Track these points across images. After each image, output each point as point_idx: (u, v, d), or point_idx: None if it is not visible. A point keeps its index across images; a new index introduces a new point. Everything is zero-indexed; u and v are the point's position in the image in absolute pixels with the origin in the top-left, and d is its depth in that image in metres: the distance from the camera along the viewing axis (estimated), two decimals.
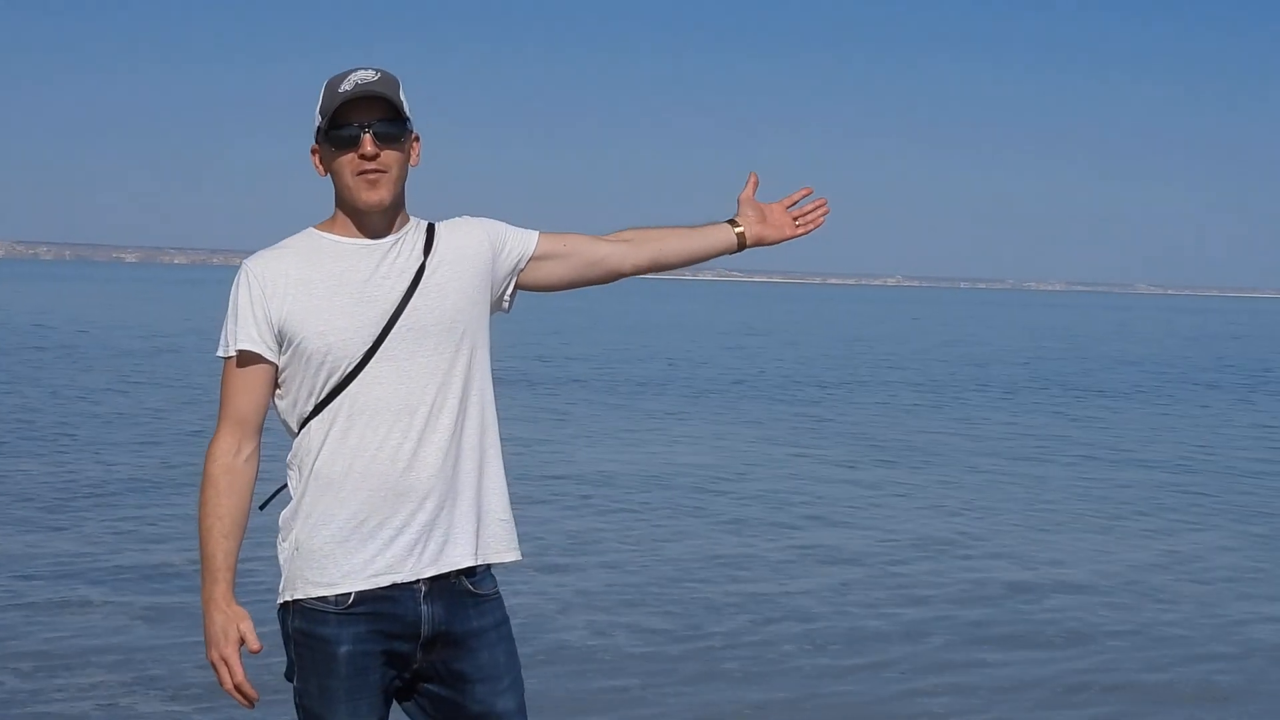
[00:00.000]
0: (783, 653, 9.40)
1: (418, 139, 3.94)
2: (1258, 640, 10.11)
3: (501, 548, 3.96)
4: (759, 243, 4.30)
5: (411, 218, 3.97)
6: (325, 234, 3.90)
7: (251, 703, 3.81)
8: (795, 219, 4.34)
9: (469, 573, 3.89)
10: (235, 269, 3.95)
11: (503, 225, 4.04)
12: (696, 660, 9.18)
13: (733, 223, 4.29)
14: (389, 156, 3.82)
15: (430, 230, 3.95)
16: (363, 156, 3.80)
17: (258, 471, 3.89)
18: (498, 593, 3.98)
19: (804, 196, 4.35)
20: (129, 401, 23.82)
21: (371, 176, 3.80)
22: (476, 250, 3.95)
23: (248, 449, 3.85)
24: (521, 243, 4.04)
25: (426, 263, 3.87)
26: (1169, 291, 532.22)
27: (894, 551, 12.80)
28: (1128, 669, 9.32)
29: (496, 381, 4.04)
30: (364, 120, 3.80)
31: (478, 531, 3.90)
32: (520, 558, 4.01)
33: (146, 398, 24.56)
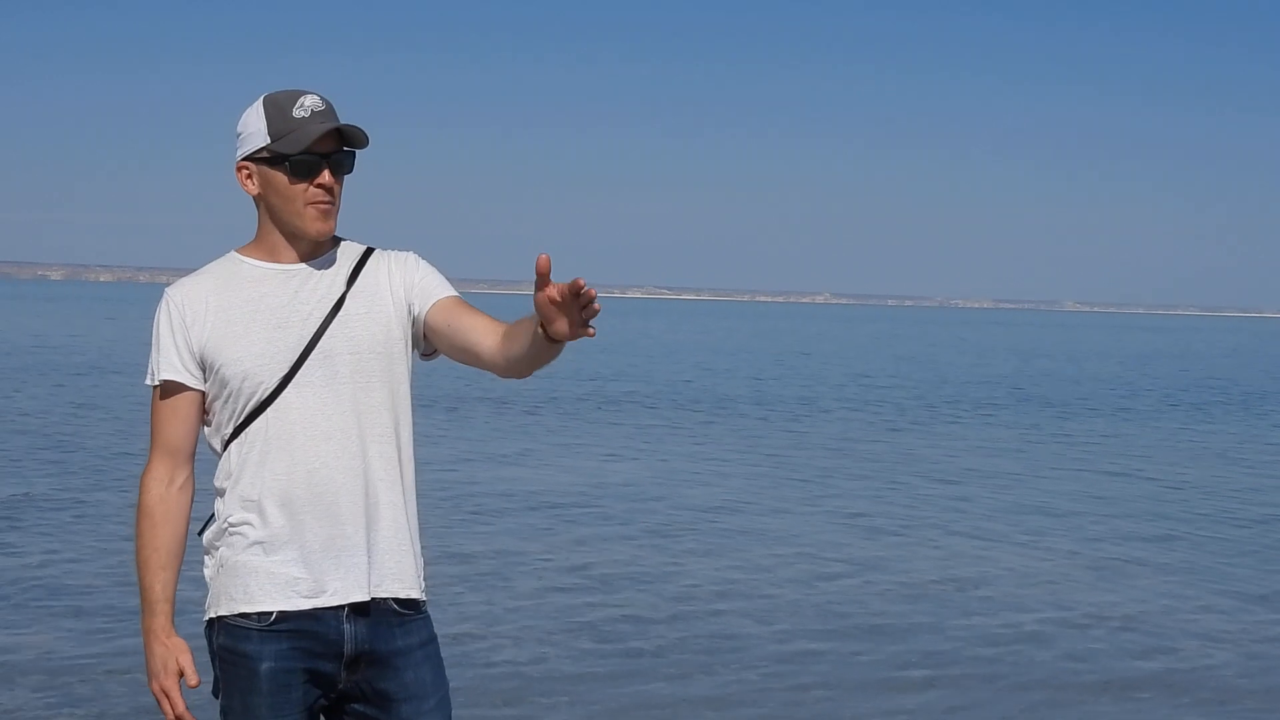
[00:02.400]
0: (711, 671, 9.42)
1: None
2: (1184, 650, 10.22)
3: (415, 585, 3.93)
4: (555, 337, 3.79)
5: (343, 240, 3.98)
6: (245, 258, 3.91)
7: None
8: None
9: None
10: (163, 286, 3.95)
11: (425, 274, 3.94)
12: (626, 679, 9.19)
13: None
14: (338, 187, 3.86)
15: (364, 257, 3.96)
16: (320, 186, 3.81)
17: (193, 497, 3.91)
18: (424, 612, 3.98)
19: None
20: (52, 421, 23.62)
21: (325, 207, 3.83)
22: (396, 288, 3.93)
23: (180, 477, 3.87)
24: (421, 297, 3.92)
25: (349, 291, 3.87)
26: (1095, 309, 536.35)
27: (821, 568, 12.85)
28: (1057, 684, 9.40)
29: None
30: (323, 149, 3.81)
31: (393, 561, 3.88)
32: (424, 598, 3.98)
33: (70, 417, 24.36)
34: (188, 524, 3.90)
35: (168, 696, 3.80)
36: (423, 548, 4.01)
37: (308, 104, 3.81)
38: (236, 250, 3.94)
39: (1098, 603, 11.79)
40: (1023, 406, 34.02)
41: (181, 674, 3.81)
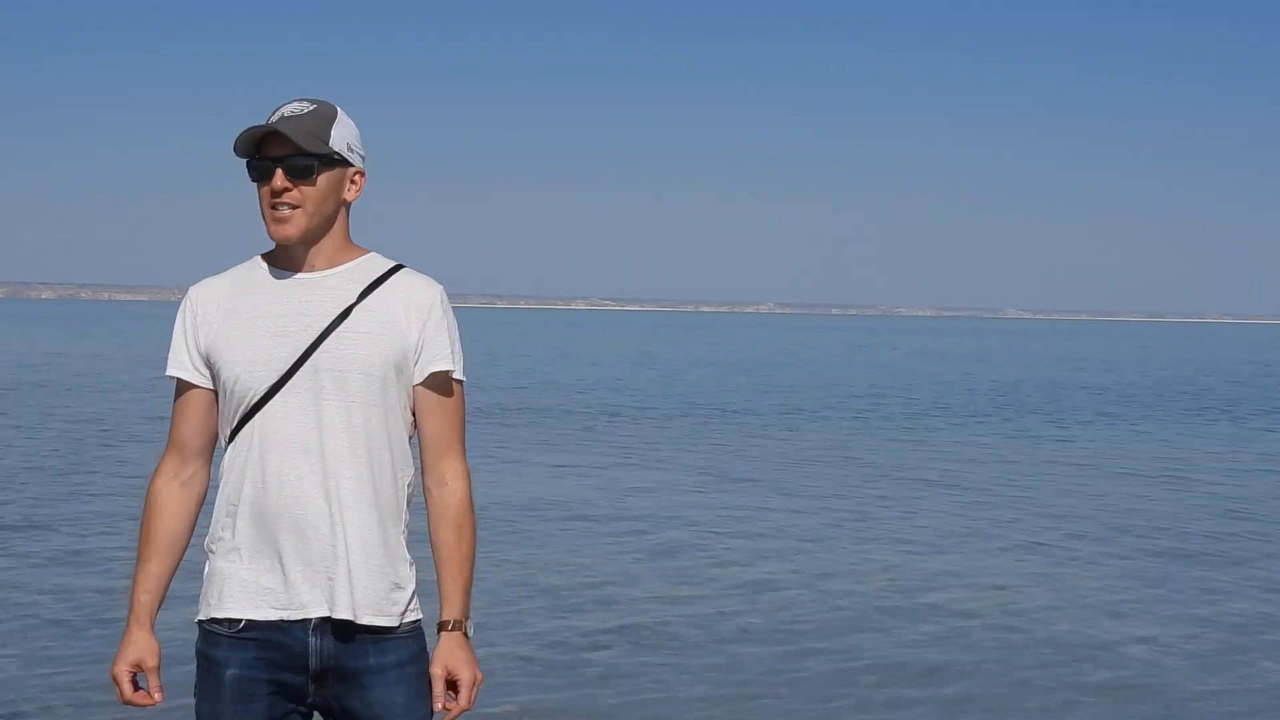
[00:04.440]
0: (659, 681, 9.44)
1: (361, 173, 3.92)
2: (1130, 659, 10.29)
3: (384, 610, 3.88)
4: (438, 651, 3.94)
5: (370, 253, 3.95)
6: (263, 263, 3.92)
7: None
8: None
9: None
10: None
11: (436, 330, 3.90)
12: (574, 690, 9.20)
13: (461, 625, 3.97)
14: (303, 192, 3.81)
15: (386, 274, 3.91)
16: (272, 191, 3.82)
17: (203, 493, 3.95)
18: (411, 631, 3.93)
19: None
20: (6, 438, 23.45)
21: (282, 212, 3.82)
22: (413, 323, 3.88)
23: (186, 472, 3.91)
24: (423, 362, 3.90)
25: (357, 306, 3.84)
26: (1038, 315, 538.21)
27: (768, 577, 12.88)
28: (1000, 692, 9.45)
29: None
30: (278, 154, 3.81)
31: (362, 587, 3.83)
32: (398, 624, 3.90)
33: (13, 436, 24.19)
34: (190, 520, 3.93)
35: (116, 683, 3.87)
36: (415, 574, 3.94)
37: (283, 110, 3.84)
38: (260, 255, 3.95)
39: (1046, 607, 11.86)
40: (994, 415, 34.19)
41: (141, 669, 3.86)
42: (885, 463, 22.87)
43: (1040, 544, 15.07)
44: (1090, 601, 12.19)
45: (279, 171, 3.81)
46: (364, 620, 3.84)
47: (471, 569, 3.99)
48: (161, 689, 3.89)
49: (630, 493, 18.44)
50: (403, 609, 3.92)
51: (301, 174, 3.82)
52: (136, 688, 3.87)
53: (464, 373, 3.98)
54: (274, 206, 3.82)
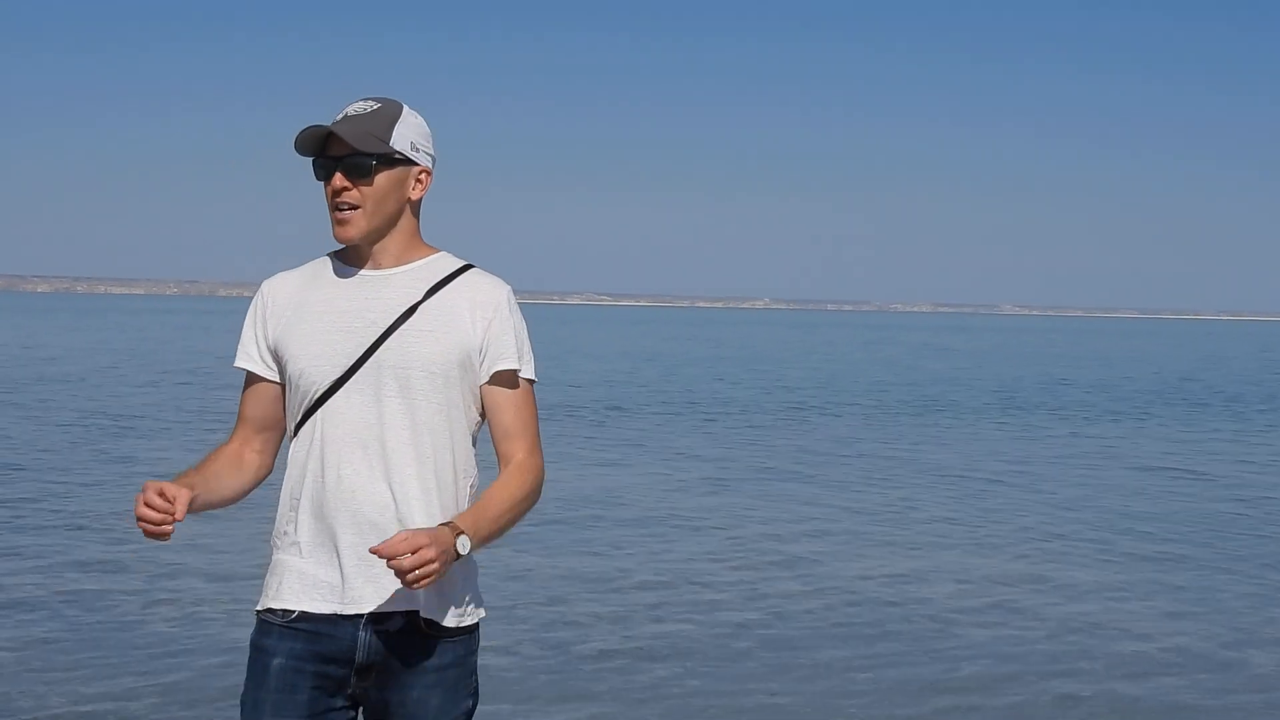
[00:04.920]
0: (653, 674, 9.45)
1: (427, 172, 3.94)
2: (1119, 655, 10.29)
3: (437, 606, 3.86)
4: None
5: (441, 252, 3.99)
6: (334, 259, 3.98)
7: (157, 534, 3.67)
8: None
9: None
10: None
11: (501, 329, 3.93)
12: (567, 683, 9.21)
13: (456, 530, 3.73)
14: (362, 192, 3.85)
15: (454, 274, 3.94)
16: (333, 190, 3.85)
17: (265, 465, 4.03)
18: (465, 634, 3.95)
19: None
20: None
21: (343, 213, 3.86)
22: (477, 323, 3.90)
23: (257, 442, 4.01)
24: (489, 361, 3.92)
25: (422, 304, 3.87)
26: (1034, 312, 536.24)
27: (763, 571, 12.89)
28: (994, 689, 9.45)
29: None
30: (338, 154, 3.84)
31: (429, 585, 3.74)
32: (456, 626, 3.91)
33: (15, 431, 24.16)
34: (246, 478, 3.99)
35: (141, 493, 3.65)
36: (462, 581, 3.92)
37: (348, 110, 3.89)
38: (332, 252, 4.00)
39: (1038, 606, 11.86)
40: (987, 411, 34.17)
41: (165, 495, 3.64)
42: (921, 460, 22.81)
43: (1076, 548, 14.97)
44: (1146, 608, 12.06)
45: (338, 172, 3.84)
46: (425, 616, 3.84)
47: (504, 514, 3.93)
48: (183, 516, 3.65)
49: (636, 491, 18.41)
50: (463, 610, 3.93)
51: (359, 173, 3.85)
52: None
53: (534, 373, 4.02)
54: (336, 207, 3.87)
